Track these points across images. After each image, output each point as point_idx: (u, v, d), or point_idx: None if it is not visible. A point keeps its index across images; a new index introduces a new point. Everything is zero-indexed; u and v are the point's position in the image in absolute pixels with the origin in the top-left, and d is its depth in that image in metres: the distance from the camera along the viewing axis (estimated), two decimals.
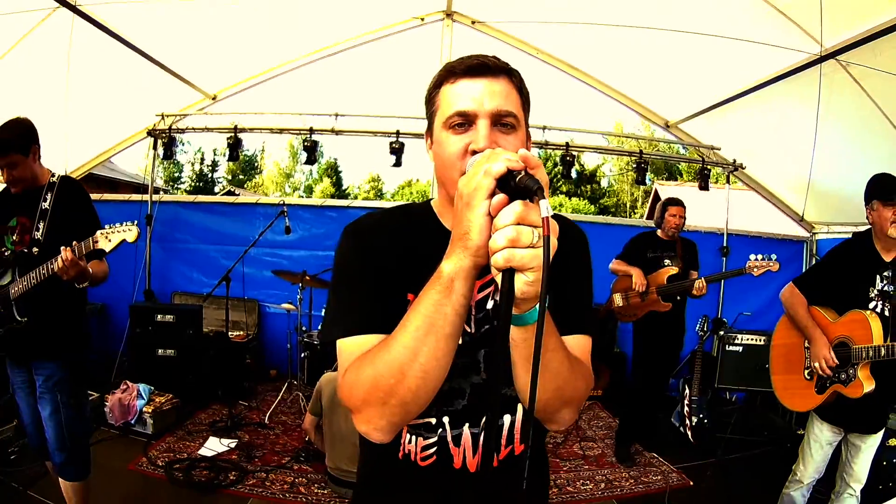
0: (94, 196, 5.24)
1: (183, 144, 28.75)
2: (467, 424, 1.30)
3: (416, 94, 4.87)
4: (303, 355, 5.82)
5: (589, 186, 30.45)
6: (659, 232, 5.07)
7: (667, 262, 4.93)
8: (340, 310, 1.26)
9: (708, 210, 8.65)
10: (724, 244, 7.03)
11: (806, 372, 3.19)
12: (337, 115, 6.34)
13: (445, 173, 1.20)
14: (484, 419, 1.28)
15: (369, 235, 1.31)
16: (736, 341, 5.66)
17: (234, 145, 6.37)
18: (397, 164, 6.29)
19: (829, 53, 4.46)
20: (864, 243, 3.07)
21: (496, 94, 1.16)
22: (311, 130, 6.32)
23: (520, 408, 1.30)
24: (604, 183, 31.80)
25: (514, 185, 0.91)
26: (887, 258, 2.97)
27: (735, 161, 6.72)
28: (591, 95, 6.79)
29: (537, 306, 0.94)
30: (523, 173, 0.91)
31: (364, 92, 7.01)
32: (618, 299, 5.07)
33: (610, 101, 6.82)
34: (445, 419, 1.29)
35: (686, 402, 5.36)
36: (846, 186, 5.75)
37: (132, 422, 4.87)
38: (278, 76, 6.57)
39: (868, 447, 3.09)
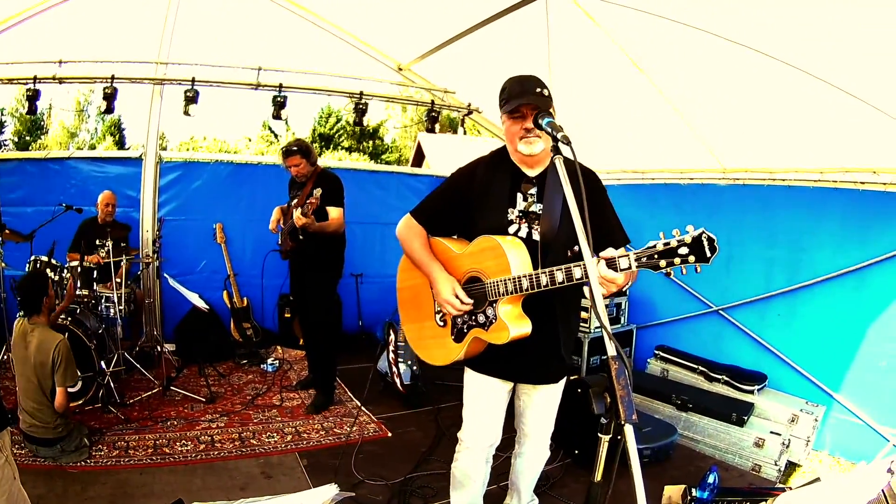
0: None
1: None
2: None
3: (135, 38, 4.67)
4: None
5: (371, 143, 30.26)
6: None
7: (295, 201, 4.86)
8: None
9: (459, 157, 8.61)
10: None
11: (437, 317, 2.63)
12: (61, 62, 5.57)
13: None
14: None
15: None
16: None
17: None
18: (108, 110, 5.58)
19: None
20: (501, 158, 2.55)
21: None
22: (35, 79, 5.42)
23: None
24: (387, 139, 31.83)
25: None
26: (532, 173, 2.48)
27: (469, 105, 6.57)
28: (319, 36, 6.22)
29: None
30: None
31: (90, 39, 6.05)
32: None
33: (339, 43, 6.29)
34: None
35: (392, 348, 5.09)
36: (588, 126, 5.52)
37: None
38: (9, 28, 5.50)
39: (542, 400, 2.65)
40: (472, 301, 2.41)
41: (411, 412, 4.89)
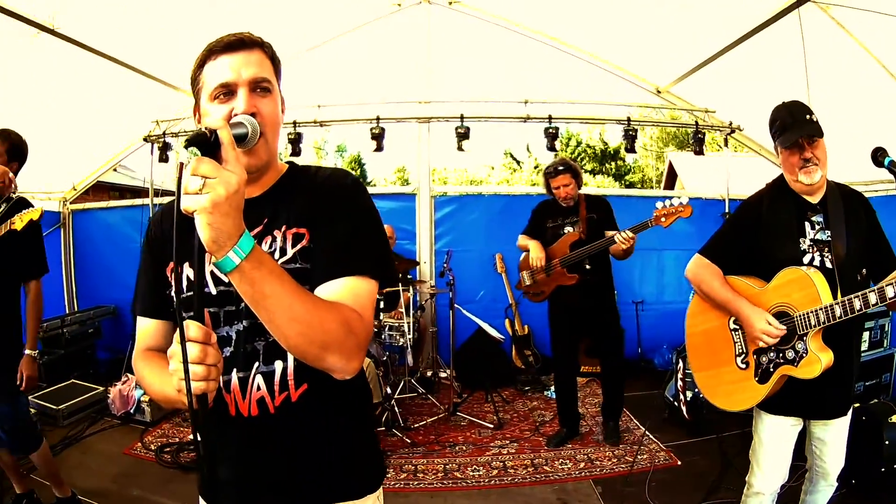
0: (100, 204, 7.21)
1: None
2: (235, 370, 1.37)
3: (395, 78, 5.07)
4: None
5: (613, 164, 29.83)
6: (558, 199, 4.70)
7: (568, 228, 4.60)
8: None
9: (716, 176, 8.39)
10: (727, 210, 6.72)
11: (739, 360, 2.53)
12: (320, 105, 6.40)
13: None
14: (257, 364, 1.36)
15: (152, 225, 1.57)
16: None
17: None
18: (378, 149, 6.28)
19: None
20: (782, 188, 2.51)
21: (252, 64, 1.33)
22: (295, 123, 6.33)
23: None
24: (628, 160, 31.15)
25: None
26: (814, 200, 2.44)
27: (731, 123, 6.44)
28: (577, 66, 6.48)
29: (231, 253, 1.02)
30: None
31: (347, 82, 6.99)
32: (525, 278, 4.81)
33: (597, 70, 6.51)
34: None
35: (680, 375, 5.07)
36: (850, 140, 5.28)
37: (132, 411, 5.25)
38: None
39: (836, 437, 2.52)
40: (785, 328, 2.33)
41: (696, 440, 4.81)
